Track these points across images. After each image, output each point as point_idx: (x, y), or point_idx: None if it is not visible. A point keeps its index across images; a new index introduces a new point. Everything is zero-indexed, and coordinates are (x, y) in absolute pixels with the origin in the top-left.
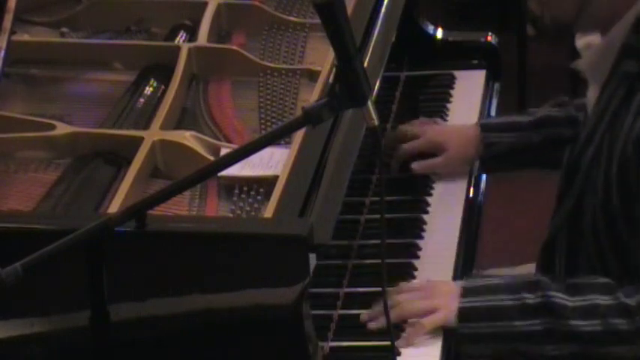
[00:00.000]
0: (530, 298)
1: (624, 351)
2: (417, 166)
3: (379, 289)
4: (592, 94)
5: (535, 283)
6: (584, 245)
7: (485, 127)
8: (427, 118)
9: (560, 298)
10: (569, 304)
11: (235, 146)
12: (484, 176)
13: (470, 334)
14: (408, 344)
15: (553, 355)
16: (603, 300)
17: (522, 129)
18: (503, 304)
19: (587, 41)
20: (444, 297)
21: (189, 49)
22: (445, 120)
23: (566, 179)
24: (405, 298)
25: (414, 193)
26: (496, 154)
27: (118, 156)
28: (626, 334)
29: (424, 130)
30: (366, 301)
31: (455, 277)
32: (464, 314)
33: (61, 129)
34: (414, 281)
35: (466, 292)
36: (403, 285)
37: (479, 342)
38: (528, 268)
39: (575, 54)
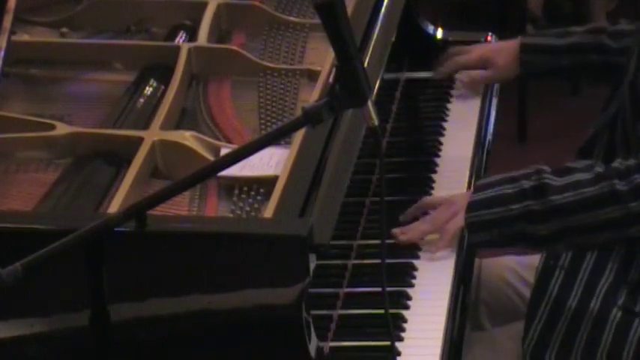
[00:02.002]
0: (526, 183)
1: (595, 218)
2: (465, 76)
3: (379, 289)
4: None
5: (535, 170)
6: (619, 149)
7: (523, 47)
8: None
9: (550, 179)
10: (554, 183)
11: (235, 146)
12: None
13: (475, 222)
14: (438, 250)
15: (544, 235)
16: (583, 175)
17: (555, 53)
18: (504, 192)
19: None
20: (462, 201)
21: (189, 49)
22: (445, 120)
23: (613, 86)
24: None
25: (414, 193)
26: (530, 73)
27: (117, 156)
28: (594, 199)
29: (473, 48)
30: (366, 301)
31: (455, 277)
32: (472, 206)
33: (61, 129)
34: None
35: (476, 189)
36: (425, 199)
37: (484, 229)
38: (530, 260)
39: None
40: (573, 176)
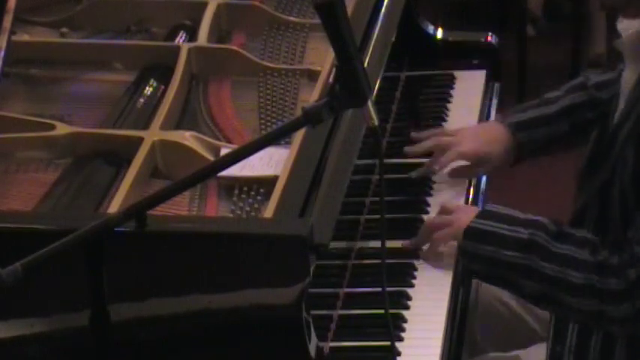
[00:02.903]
0: (523, 233)
1: (571, 302)
2: (454, 173)
3: (379, 289)
4: (629, 74)
5: (534, 221)
6: (612, 216)
7: (517, 127)
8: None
9: (545, 240)
10: (550, 247)
11: (235, 146)
12: (484, 177)
13: (468, 251)
14: (426, 259)
15: (529, 292)
16: (574, 252)
17: (551, 121)
18: (501, 232)
19: (628, 24)
20: (460, 213)
21: (189, 49)
22: (445, 120)
23: (601, 153)
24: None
25: (414, 193)
26: (531, 150)
27: (117, 156)
28: (575, 287)
29: (460, 146)
30: (366, 301)
31: (455, 279)
32: (468, 233)
33: (61, 129)
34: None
35: (481, 215)
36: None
37: (474, 260)
38: None
39: (575, 54)
40: (567, 249)
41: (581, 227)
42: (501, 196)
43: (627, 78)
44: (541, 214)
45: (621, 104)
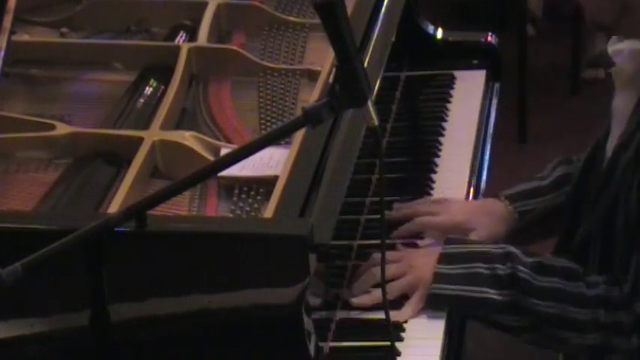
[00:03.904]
0: (501, 269)
1: (572, 337)
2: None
3: (379, 289)
4: (621, 100)
5: (506, 254)
6: (617, 247)
7: (513, 199)
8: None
9: (527, 274)
10: (534, 282)
11: (235, 146)
12: (484, 177)
13: (439, 295)
14: (363, 305)
15: (514, 325)
16: (564, 285)
17: (546, 193)
18: (477, 271)
19: (618, 48)
20: (421, 268)
21: (189, 49)
22: (445, 120)
23: (599, 183)
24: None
25: (414, 193)
26: (533, 220)
27: (117, 156)
28: (578, 323)
29: (444, 208)
30: None
31: None
32: (438, 278)
33: (61, 129)
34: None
35: (442, 259)
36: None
37: (447, 303)
38: None
39: (575, 54)
40: (555, 282)
41: (586, 263)
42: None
43: (618, 104)
44: None
45: (614, 130)
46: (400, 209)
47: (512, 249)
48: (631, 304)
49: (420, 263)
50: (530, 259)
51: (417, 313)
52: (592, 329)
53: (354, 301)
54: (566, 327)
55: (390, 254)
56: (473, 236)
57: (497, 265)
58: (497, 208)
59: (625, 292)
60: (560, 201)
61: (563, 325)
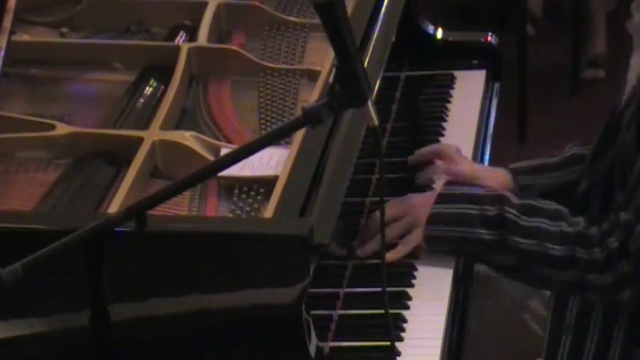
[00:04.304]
0: (490, 210)
1: (552, 274)
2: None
3: (379, 289)
4: (636, 60)
5: (498, 197)
6: (616, 198)
7: (517, 172)
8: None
9: (514, 215)
10: (520, 222)
11: (235, 146)
12: (486, 158)
13: (435, 236)
14: (394, 258)
15: (501, 264)
16: (548, 225)
17: (554, 169)
18: (468, 212)
19: None
20: (421, 209)
21: (189, 49)
22: (445, 120)
23: (608, 137)
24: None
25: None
26: (528, 197)
27: (117, 156)
28: (556, 259)
29: (463, 159)
30: (366, 301)
31: (455, 277)
32: (432, 219)
33: (61, 129)
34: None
35: (438, 200)
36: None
37: (443, 243)
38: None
39: (575, 54)
40: (539, 222)
41: (585, 211)
42: None
43: (634, 63)
44: None
45: (628, 89)
46: (421, 152)
47: (506, 193)
48: (605, 240)
49: (418, 204)
50: (519, 202)
51: (409, 251)
52: (568, 265)
53: (359, 252)
54: (545, 264)
55: (391, 202)
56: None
57: (487, 207)
58: (502, 176)
59: (603, 230)
60: (565, 180)
61: (543, 261)
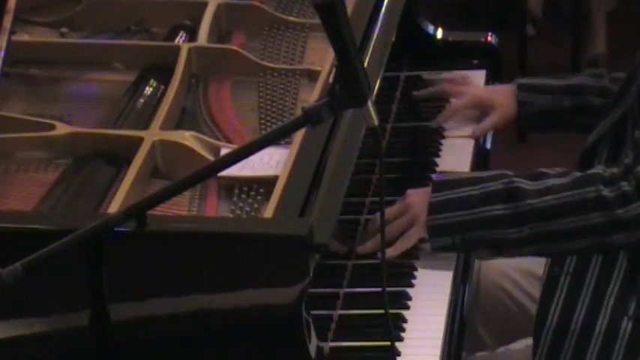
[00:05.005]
0: (492, 186)
1: (577, 222)
2: (477, 130)
3: (379, 289)
4: None
5: (499, 174)
6: (622, 152)
7: (521, 87)
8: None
9: (522, 182)
10: (529, 187)
11: (235, 146)
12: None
13: (437, 225)
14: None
15: (514, 238)
16: (558, 180)
17: (555, 92)
18: (470, 193)
19: None
20: (420, 203)
21: (189, 49)
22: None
23: (621, 91)
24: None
25: None
26: (528, 114)
27: (117, 156)
28: (580, 203)
29: (468, 89)
30: (366, 301)
31: (455, 277)
32: (433, 208)
33: (61, 129)
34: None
35: (435, 188)
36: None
37: (445, 232)
38: (526, 264)
39: (575, 54)
40: (547, 181)
41: (591, 162)
42: None
43: None
44: None
45: None
46: (427, 89)
47: (505, 171)
48: (632, 170)
49: (416, 200)
50: (524, 173)
51: (408, 247)
52: (593, 207)
53: (359, 249)
54: (568, 213)
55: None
56: (490, 118)
57: (488, 184)
58: (511, 91)
59: (626, 164)
60: (566, 105)
61: (564, 212)
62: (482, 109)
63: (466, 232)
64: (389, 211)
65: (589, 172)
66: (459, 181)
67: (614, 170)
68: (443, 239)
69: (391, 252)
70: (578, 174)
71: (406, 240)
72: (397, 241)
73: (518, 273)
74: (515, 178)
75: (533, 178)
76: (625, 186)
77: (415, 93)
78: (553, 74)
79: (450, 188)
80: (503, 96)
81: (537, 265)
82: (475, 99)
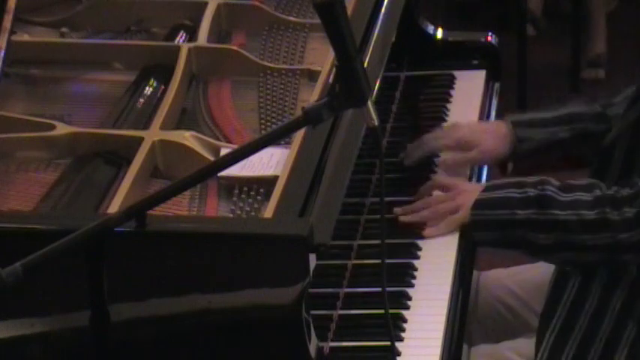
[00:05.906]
0: (532, 192)
1: (587, 240)
2: (450, 159)
3: (379, 289)
4: None
5: (540, 181)
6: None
7: (516, 123)
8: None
9: (553, 192)
10: (558, 197)
11: (235, 146)
12: (484, 176)
13: (479, 220)
14: (432, 234)
15: (543, 244)
16: (583, 196)
17: (551, 125)
18: (511, 195)
19: None
20: (469, 195)
21: (189, 49)
22: (445, 120)
23: (637, 92)
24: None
25: (414, 194)
26: (528, 149)
27: (118, 156)
28: (590, 223)
29: (452, 130)
30: (366, 301)
31: (454, 279)
32: (476, 204)
33: (61, 129)
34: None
35: (485, 189)
36: (437, 179)
37: (487, 228)
38: (529, 268)
39: (575, 54)
40: (575, 195)
41: (609, 165)
42: None
43: None
44: None
45: None
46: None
47: (547, 178)
48: (636, 199)
49: (468, 189)
50: (557, 183)
51: (448, 232)
52: (601, 228)
53: (402, 218)
54: (580, 230)
55: (444, 180)
56: (474, 152)
57: (528, 189)
58: (502, 129)
59: (633, 191)
60: (565, 136)
61: (577, 229)
62: (465, 149)
63: (505, 230)
64: (444, 180)
65: (607, 193)
66: (505, 184)
67: (624, 193)
68: (484, 233)
69: (434, 231)
70: (599, 193)
71: (452, 222)
72: (443, 222)
73: (517, 284)
74: (551, 187)
75: (563, 189)
76: (627, 212)
77: (406, 162)
78: (553, 74)
79: (495, 189)
80: (494, 137)
81: (536, 273)
82: (461, 141)
